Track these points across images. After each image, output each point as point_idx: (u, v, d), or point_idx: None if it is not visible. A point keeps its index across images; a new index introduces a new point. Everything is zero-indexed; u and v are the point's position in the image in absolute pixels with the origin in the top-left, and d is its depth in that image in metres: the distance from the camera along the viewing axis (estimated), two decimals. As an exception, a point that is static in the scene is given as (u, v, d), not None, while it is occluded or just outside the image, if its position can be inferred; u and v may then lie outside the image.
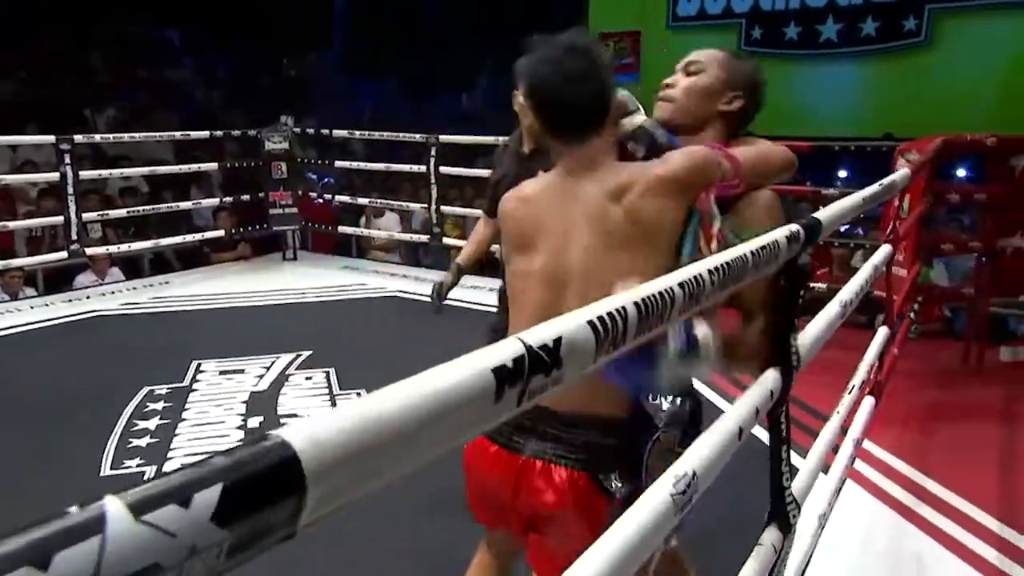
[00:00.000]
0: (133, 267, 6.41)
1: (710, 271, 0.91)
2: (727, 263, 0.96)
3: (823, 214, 1.44)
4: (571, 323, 0.63)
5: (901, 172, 2.64)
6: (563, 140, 1.37)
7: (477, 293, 4.04)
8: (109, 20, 10.12)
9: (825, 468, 2.47)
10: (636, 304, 0.73)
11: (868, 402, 2.43)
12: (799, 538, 1.73)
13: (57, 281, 5.65)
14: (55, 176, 4.80)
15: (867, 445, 3.05)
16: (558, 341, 0.59)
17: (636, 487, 1.26)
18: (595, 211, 1.31)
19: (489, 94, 11.43)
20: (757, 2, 9.67)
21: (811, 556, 2.23)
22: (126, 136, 5.76)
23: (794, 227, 1.23)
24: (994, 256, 3.88)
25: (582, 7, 10.67)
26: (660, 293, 0.78)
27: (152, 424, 3.15)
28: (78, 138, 4.79)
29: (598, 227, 1.30)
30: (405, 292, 5.31)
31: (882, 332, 2.47)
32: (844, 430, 2.47)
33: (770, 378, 1.27)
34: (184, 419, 3.21)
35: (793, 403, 2.25)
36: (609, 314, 0.68)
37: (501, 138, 5.64)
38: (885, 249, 2.48)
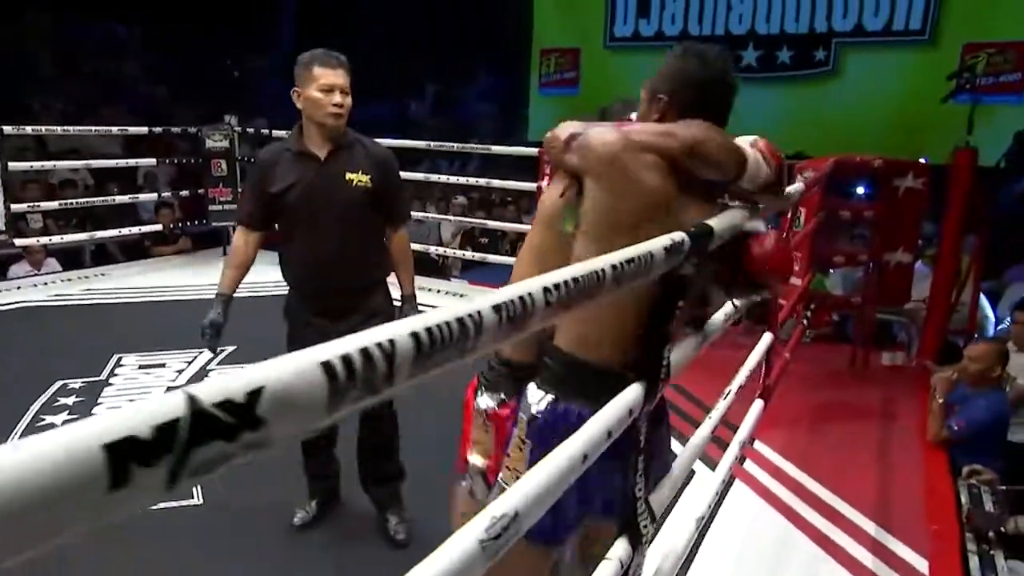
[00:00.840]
0: (75, 259, 6.03)
1: (546, 289, 0.71)
2: (571, 279, 0.76)
3: (716, 222, 1.24)
4: (288, 367, 0.47)
5: (795, 186, 2.58)
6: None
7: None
8: (48, 12, 9.55)
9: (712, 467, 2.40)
10: (416, 335, 0.54)
11: (757, 405, 2.36)
12: (675, 540, 1.63)
13: (-2, 272, 5.27)
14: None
15: (758, 446, 3.00)
16: (255, 395, 0.44)
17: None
18: None
19: (435, 102, 11.23)
20: (687, 26, 9.73)
21: (691, 559, 2.15)
22: (59, 129, 5.38)
23: (678, 236, 1.07)
24: (880, 268, 3.90)
25: (527, 24, 10.59)
26: (460, 319, 0.59)
27: (59, 419, 2.90)
28: (7, 129, 4.43)
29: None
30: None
31: (766, 337, 2.40)
32: (733, 429, 2.40)
33: (632, 392, 1.12)
34: (93, 415, 2.93)
35: (689, 400, 2.17)
36: (365, 351, 0.50)
37: (429, 144, 5.52)
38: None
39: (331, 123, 2.03)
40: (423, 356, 0.55)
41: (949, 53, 7.93)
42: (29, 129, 4.93)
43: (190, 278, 5.21)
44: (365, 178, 2.09)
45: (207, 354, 3.66)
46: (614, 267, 0.86)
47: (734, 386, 1.97)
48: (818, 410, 3.45)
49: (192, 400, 0.40)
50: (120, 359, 3.54)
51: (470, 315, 0.61)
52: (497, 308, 0.64)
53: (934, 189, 4.00)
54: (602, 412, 1.05)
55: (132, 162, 5.91)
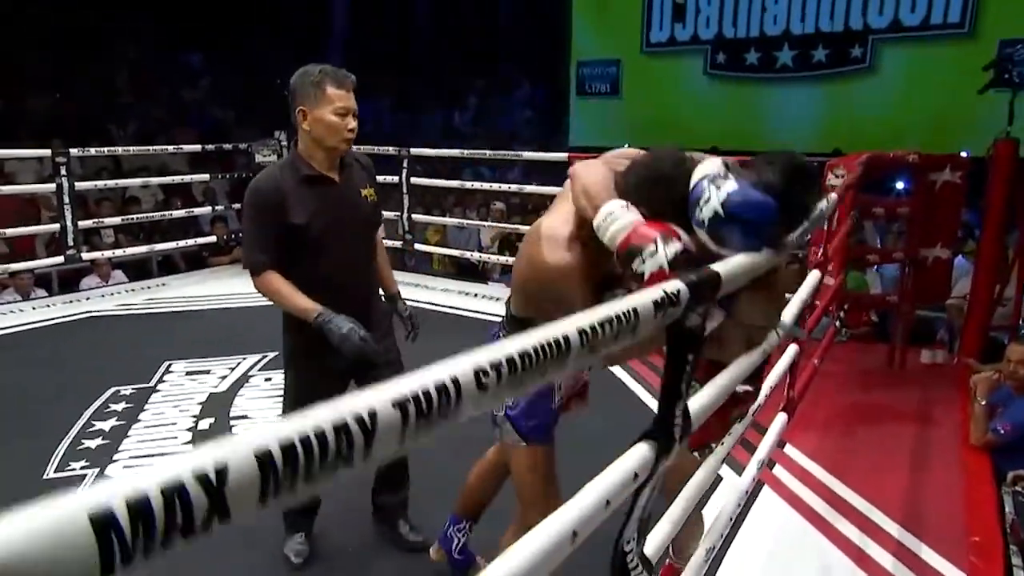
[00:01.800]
0: (143, 270, 6.17)
1: (492, 366, 0.58)
2: (533, 349, 0.63)
3: (723, 267, 1.04)
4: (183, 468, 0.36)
5: (829, 198, 2.38)
6: None
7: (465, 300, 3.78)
8: (132, 43, 9.89)
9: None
10: (337, 430, 0.43)
11: (780, 419, 2.17)
12: (699, 550, 1.49)
13: (71, 284, 5.42)
14: (51, 187, 4.55)
15: (788, 450, 2.80)
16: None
17: None
18: None
19: (478, 111, 11.18)
20: (721, 30, 9.44)
21: (713, 571, 1.99)
22: (120, 150, 5.48)
23: (673, 286, 0.88)
24: (917, 265, 3.62)
25: (565, 36, 10.44)
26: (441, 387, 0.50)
27: (108, 425, 2.91)
28: (73, 151, 4.54)
29: None
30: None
31: (791, 350, 2.20)
32: (763, 433, 2.22)
33: (638, 454, 0.93)
34: (139, 420, 2.96)
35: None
36: (302, 441, 0.41)
37: (463, 151, 5.43)
38: (814, 275, 2.20)
39: (344, 148, 1.84)
40: (340, 451, 0.44)
41: (989, 46, 7.44)
42: (92, 151, 5.03)
43: (241, 286, 5.24)
44: (371, 191, 1.97)
45: (250, 360, 3.64)
46: (583, 332, 0.70)
47: (753, 407, 1.79)
48: (852, 412, 3.21)
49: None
50: (170, 366, 3.56)
51: (416, 397, 0.50)
52: (428, 397, 0.52)
53: (974, 182, 3.70)
54: (601, 477, 0.87)
55: (187, 178, 6.00)
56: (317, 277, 1.83)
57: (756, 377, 1.52)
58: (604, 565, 1.04)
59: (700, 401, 1.12)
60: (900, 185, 7.75)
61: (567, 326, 0.70)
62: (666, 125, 9.47)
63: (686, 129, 9.19)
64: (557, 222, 1.30)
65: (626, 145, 7.02)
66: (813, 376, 2.64)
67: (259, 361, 3.64)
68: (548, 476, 1.55)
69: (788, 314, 1.74)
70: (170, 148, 5.62)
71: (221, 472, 0.37)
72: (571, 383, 1.58)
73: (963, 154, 3.97)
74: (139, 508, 0.33)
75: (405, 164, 5.00)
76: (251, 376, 3.46)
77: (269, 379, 3.43)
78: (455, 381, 0.54)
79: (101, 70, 9.40)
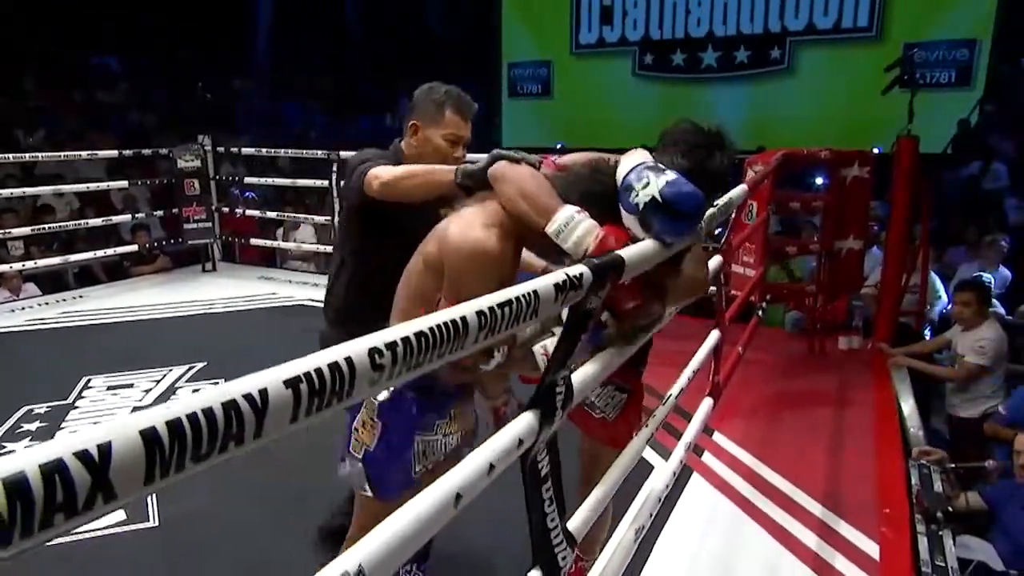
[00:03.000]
0: (59, 283, 5.86)
1: (387, 345, 0.60)
2: (430, 330, 0.65)
3: (629, 252, 1.09)
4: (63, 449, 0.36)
5: (738, 189, 2.48)
6: None
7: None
8: (42, 44, 9.37)
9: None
10: (225, 407, 0.45)
11: (707, 404, 2.25)
12: (626, 535, 1.52)
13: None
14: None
15: (716, 437, 2.91)
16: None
17: None
18: None
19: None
20: (648, 32, 9.68)
21: (646, 555, 2.05)
22: (27, 156, 5.19)
23: (576, 270, 0.92)
24: (832, 257, 3.81)
25: (495, 38, 10.49)
26: (300, 377, 0.51)
27: (20, 446, 2.75)
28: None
29: None
30: (314, 300, 4.96)
31: (713, 336, 2.29)
32: (688, 419, 2.29)
33: (523, 423, 0.97)
34: (56, 439, 2.82)
35: (650, 394, 2.07)
36: (188, 418, 0.42)
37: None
38: (715, 261, 2.29)
39: None
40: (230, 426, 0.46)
41: (895, 48, 7.91)
42: (11, 157, 4.75)
43: (167, 296, 5.06)
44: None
45: (176, 372, 3.52)
46: (480, 313, 0.73)
47: (675, 390, 1.86)
48: (776, 399, 3.36)
49: None
50: (88, 381, 3.40)
51: (313, 371, 0.53)
52: (336, 366, 0.55)
53: (881, 177, 3.93)
54: (487, 444, 0.91)
55: (104, 185, 5.74)
56: (373, 277, 1.64)
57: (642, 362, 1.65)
58: (525, 549, 1.07)
59: (583, 374, 1.17)
60: (820, 180, 8.16)
61: (466, 307, 0.72)
62: (597, 125, 9.66)
63: (616, 128, 9.37)
64: (476, 222, 1.25)
65: (558, 145, 7.10)
66: (737, 363, 2.75)
67: (185, 372, 3.53)
68: None
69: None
70: (84, 154, 5.33)
71: (104, 450, 0.38)
72: (444, 453, 1.48)
73: (875, 150, 4.22)
74: (17, 487, 0.34)
75: (335, 168, 4.93)
76: (178, 388, 3.34)
77: (197, 390, 3.31)
78: (348, 360, 0.55)
79: (6, 71, 8.87)
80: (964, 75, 7.56)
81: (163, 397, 3.24)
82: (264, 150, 5.82)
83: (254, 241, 5.89)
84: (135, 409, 3.10)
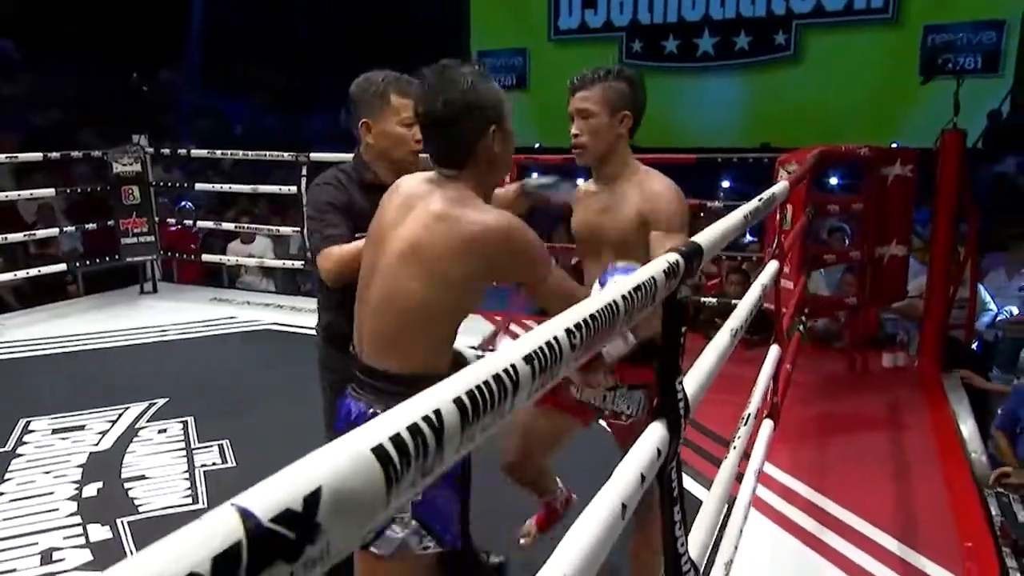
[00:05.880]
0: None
1: (568, 331, 0.72)
2: (591, 317, 0.77)
3: (703, 238, 1.28)
4: (339, 459, 0.41)
5: (780, 185, 2.59)
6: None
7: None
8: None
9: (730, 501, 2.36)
10: (460, 401, 0.52)
11: (767, 426, 2.34)
12: None
13: None
14: None
15: (767, 467, 2.99)
16: (313, 499, 0.37)
17: None
18: None
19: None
20: (636, 15, 9.85)
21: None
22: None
23: (672, 257, 1.07)
24: (873, 264, 3.96)
25: (461, 25, 10.58)
26: (497, 377, 0.57)
27: (-40, 502, 2.69)
28: None
29: None
30: (281, 324, 4.94)
31: (773, 351, 2.39)
32: (746, 456, 2.37)
33: (656, 434, 1.07)
34: (1, 493, 2.76)
35: (693, 427, 2.15)
36: (414, 427, 0.46)
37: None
38: (772, 266, 2.40)
39: (412, 159, 1.88)
40: (468, 424, 0.53)
41: (913, 32, 8.22)
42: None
43: (102, 323, 4.98)
44: None
45: (134, 411, 3.48)
46: (625, 298, 0.86)
47: (752, 409, 1.94)
48: (822, 422, 3.47)
49: (247, 517, 0.34)
50: (28, 424, 3.33)
51: (505, 371, 0.60)
52: (528, 359, 0.64)
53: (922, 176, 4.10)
54: (630, 457, 1.01)
55: (27, 194, 5.61)
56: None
57: None
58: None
59: (695, 377, 1.29)
60: (834, 181, 8.43)
61: (602, 298, 0.83)
62: (579, 120, 9.81)
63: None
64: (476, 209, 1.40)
65: (536, 145, 7.17)
66: (788, 383, 2.85)
67: (146, 410, 3.48)
68: None
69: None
70: (1, 156, 5.21)
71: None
72: None
73: (893, 145, 4.41)
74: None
75: (304, 171, 4.93)
76: (140, 429, 3.30)
77: (164, 430, 3.28)
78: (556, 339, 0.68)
79: None
80: (991, 61, 7.86)
81: (124, 439, 3.20)
82: (220, 152, 5.77)
83: (207, 257, 5.83)
84: (92, 455, 3.06)
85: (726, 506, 1.81)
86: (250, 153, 5.52)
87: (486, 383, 0.56)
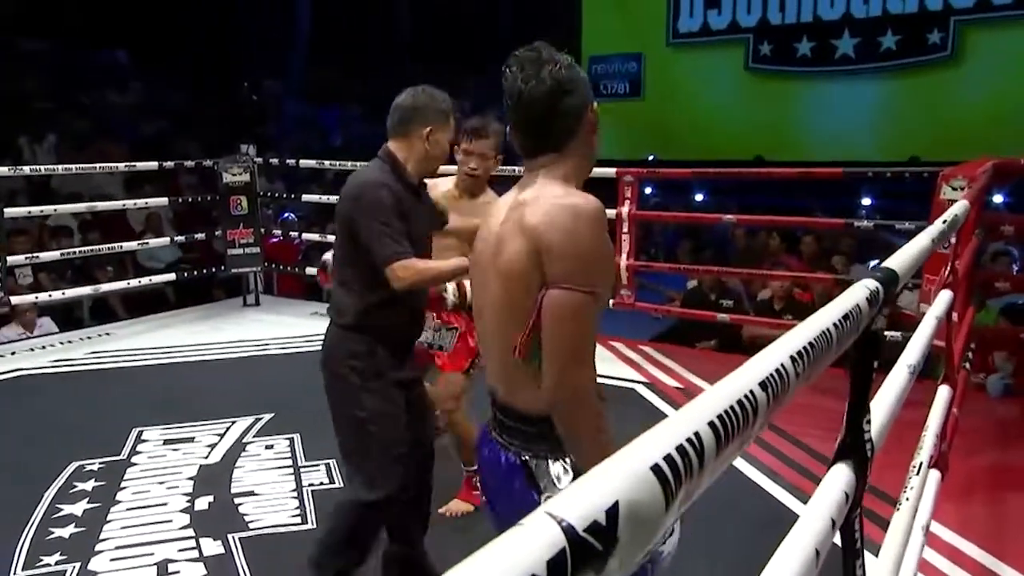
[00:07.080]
0: (70, 317, 6.16)
1: (793, 358, 0.75)
2: (810, 345, 0.80)
3: (896, 262, 1.27)
4: (624, 475, 0.42)
5: (960, 204, 2.47)
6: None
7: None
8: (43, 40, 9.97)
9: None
10: (712, 425, 0.54)
11: (934, 477, 2.22)
12: None
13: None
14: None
15: (932, 525, 2.84)
16: (614, 513, 0.38)
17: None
18: None
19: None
20: (766, 15, 9.63)
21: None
22: (60, 168, 5.53)
23: (871, 284, 1.07)
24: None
25: (574, 30, 10.63)
26: (740, 402, 0.60)
27: (79, 508, 2.90)
28: (2, 171, 4.57)
29: None
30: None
31: (943, 393, 2.27)
32: (891, 503, 2.26)
33: (843, 476, 1.07)
34: (118, 501, 2.96)
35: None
36: (681, 448, 0.48)
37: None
38: (945, 296, 2.29)
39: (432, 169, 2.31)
40: (721, 448, 0.55)
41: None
42: (27, 169, 5.07)
43: (207, 335, 5.26)
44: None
45: (241, 425, 3.65)
46: (836, 325, 0.90)
47: (924, 457, 1.85)
48: (994, 474, 3.27)
49: (564, 527, 0.35)
50: (141, 433, 3.56)
51: (745, 396, 0.63)
52: (763, 385, 0.67)
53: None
54: (817, 499, 1.01)
55: (141, 203, 6.02)
56: (402, 297, 2.18)
57: None
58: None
59: (879, 416, 1.26)
60: (998, 199, 7.96)
61: (814, 326, 0.86)
62: (698, 132, 9.57)
63: (723, 136, 9.33)
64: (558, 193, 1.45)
65: (650, 157, 7.13)
66: (955, 429, 2.70)
67: (252, 425, 3.65)
68: None
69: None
70: (121, 166, 5.64)
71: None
72: None
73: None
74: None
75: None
76: (247, 444, 3.46)
77: (270, 446, 3.43)
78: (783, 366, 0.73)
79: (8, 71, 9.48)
80: None
81: (232, 453, 3.37)
82: (328, 162, 6.03)
83: (309, 270, 6.07)
84: (203, 467, 3.23)
85: (897, 567, 1.73)
86: (358, 164, 5.72)
87: (732, 408, 0.57)
